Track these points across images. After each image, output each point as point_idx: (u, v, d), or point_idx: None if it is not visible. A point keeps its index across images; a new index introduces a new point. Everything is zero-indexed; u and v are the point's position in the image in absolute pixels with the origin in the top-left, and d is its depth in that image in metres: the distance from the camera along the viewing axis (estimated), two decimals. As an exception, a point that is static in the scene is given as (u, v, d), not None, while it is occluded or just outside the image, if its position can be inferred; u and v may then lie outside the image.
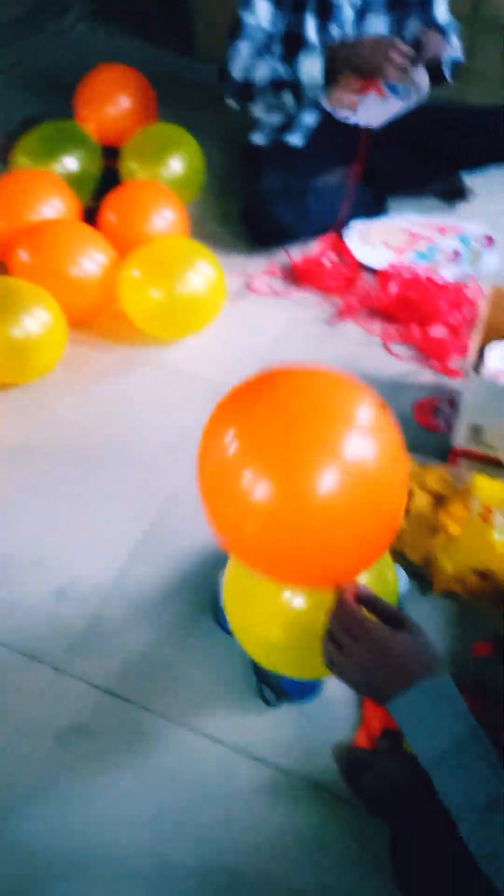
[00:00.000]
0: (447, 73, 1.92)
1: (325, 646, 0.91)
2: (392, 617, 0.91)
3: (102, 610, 1.35)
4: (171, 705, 1.23)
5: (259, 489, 0.81)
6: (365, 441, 0.82)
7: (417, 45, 1.81)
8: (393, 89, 1.84)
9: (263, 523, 0.82)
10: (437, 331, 1.84)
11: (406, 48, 1.77)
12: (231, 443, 0.83)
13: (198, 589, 1.37)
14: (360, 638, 0.88)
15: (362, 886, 1.05)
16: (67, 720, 1.21)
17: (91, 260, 1.76)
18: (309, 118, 2.06)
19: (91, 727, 1.21)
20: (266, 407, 0.84)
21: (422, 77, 1.80)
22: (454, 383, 1.73)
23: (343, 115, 1.88)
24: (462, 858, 0.79)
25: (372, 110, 1.87)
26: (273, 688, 1.23)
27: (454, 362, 1.77)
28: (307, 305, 1.95)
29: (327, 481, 0.80)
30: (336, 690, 1.24)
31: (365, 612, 0.91)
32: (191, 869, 1.08)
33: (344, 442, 0.81)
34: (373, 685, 0.86)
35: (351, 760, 1.11)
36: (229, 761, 1.17)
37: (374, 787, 1.07)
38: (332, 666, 0.91)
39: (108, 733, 1.20)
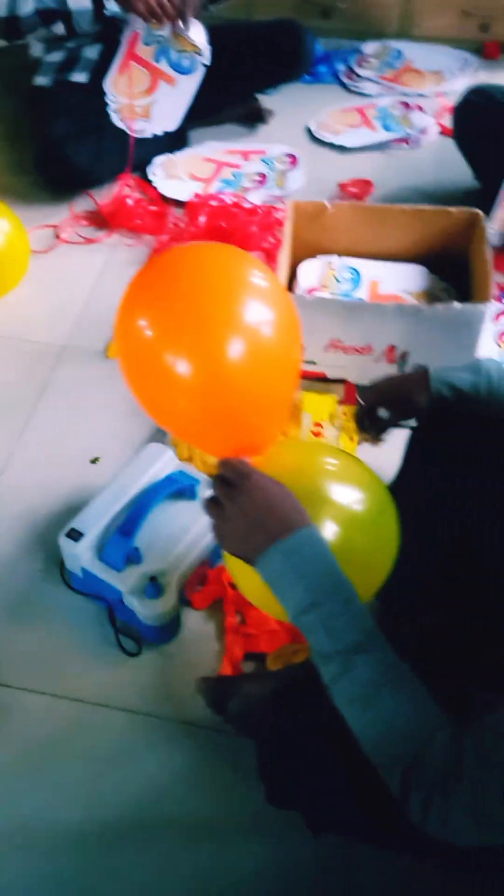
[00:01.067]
0: None
1: (209, 508, 0.86)
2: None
3: None
4: (28, 675, 1.20)
5: (179, 367, 0.85)
6: (264, 305, 0.89)
7: None
8: (177, 67, 1.81)
9: (190, 397, 0.88)
10: (253, 256, 1.82)
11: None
12: (145, 331, 0.87)
13: (40, 553, 1.33)
14: (242, 485, 0.83)
15: (242, 810, 1.07)
16: None
17: None
18: (91, 52, 1.97)
19: None
20: (169, 290, 0.87)
21: (198, 33, 1.77)
22: (276, 306, 1.73)
23: (140, 128, 1.88)
24: (324, 763, 0.82)
25: (166, 107, 1.87)
26: (131, 636, 1.22)
27: (273, 286, 1.77)
28: (120, 249, 1.89)
29: (237, 348, 0.86)
30: (194, 629, 1.24)
31: None
32: (71, 830, 1.07)
33: (246, 310, 0.87)
34: (250, 536, 0.81)
35: (216, 690, 1.14)
36: (97, 717, 1.16)
37: (240, 710, 1.10)
38: (216, 526, 0.85)
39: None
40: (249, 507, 0.81)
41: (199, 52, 1.83)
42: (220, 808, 1.08)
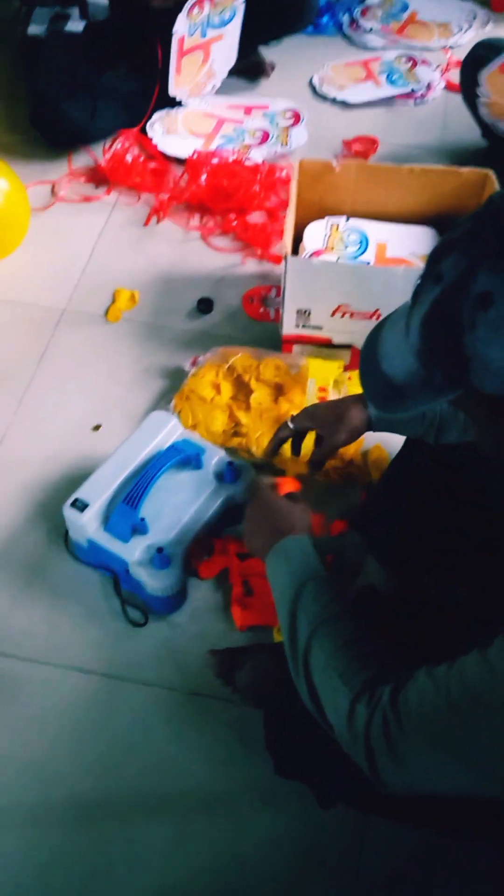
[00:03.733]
0: None
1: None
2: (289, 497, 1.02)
3: None
4: (34, 646, 1.19)
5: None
6: None
7: None
8: (222, 23, 1.86)
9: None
10: (256, 217, 1.79)
11: None
12: None
13: (43, 523, 1.31)
14: (254, 498, 1.01)
15: (252, 780, 1.07)
16: None
17: None
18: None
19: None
20: None
21: None
22: (280, 268, 1.69)
23: (209, 88, 1.98)
24: (328, 734, 0.82)
25: (223, 54, 1.93)
26: (137, 606, 1.21)
27: (277, 248, 1.73)
28: (119, 207, 1.84)
29: None
30: (201, 599, 1.23)
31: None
32: (81, 802, 1.07)
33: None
34: (258, 544, 0.95)
35: (224, 661, 1.14)
36: (105, 689, 1.15)
37: (248, 681, 1.10)
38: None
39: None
40: (256, 516, 0.98)
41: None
42: (230, 779, 1.08)
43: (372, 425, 1.11)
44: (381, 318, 0.79)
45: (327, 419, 1.13)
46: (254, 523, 0.99)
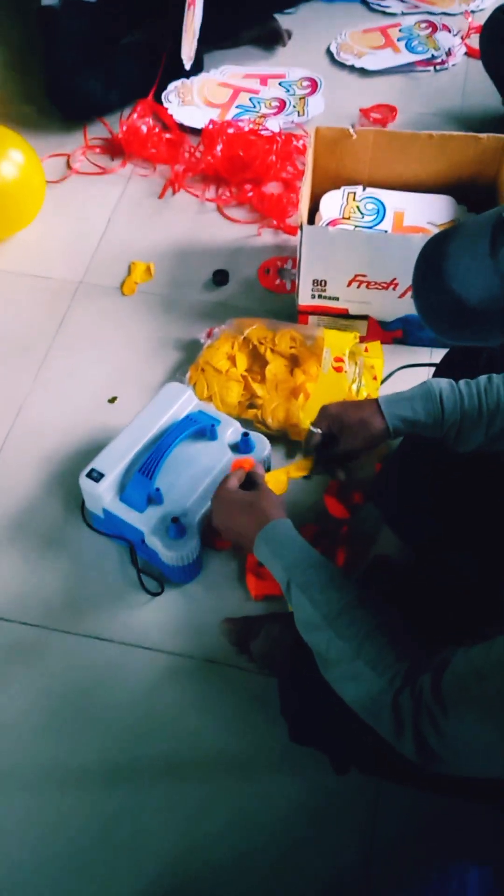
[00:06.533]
0: None
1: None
2: (255, 486, 1.04)
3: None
4: (52, 615, 1.20)
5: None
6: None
7: None
8: None
9: None
10: (272, 187, 1.77)
11: None
12: None
13: (60, 494, 1.32)
14: (218, 499, 1.03)
15: (269, 746, 1.08)
16: None
17: None
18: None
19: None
20: None
21: None
22: (296, 240, 1.68)
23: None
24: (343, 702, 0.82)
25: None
26: (153, 576, 1.22)
27: (293, 218, 1.72)
28: (135, 179, 1.83)
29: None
30: (216, 569, 1.24)
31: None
32: (101, 769, 1.08)
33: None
34: (239, 538, 0.98)
35: (240, 630, 1.15)
36: (122, 656, 1.17)
37: (263, 650, 1.10)
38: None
39: (-7, 655, 1.17)
40: (222, 513, 1.01)
41: None
42: (247, 745, 1.09)
43: (390, 434, 1.04)
44: (438, 233, 0.72)
45: (351, 422, 1.06)
46: (224, 519, 1.01)
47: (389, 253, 1.35)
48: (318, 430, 1.12)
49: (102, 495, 1.19)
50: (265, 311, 1.55)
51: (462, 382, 1.00)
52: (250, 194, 1.75)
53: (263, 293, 1.60)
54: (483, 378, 0.99)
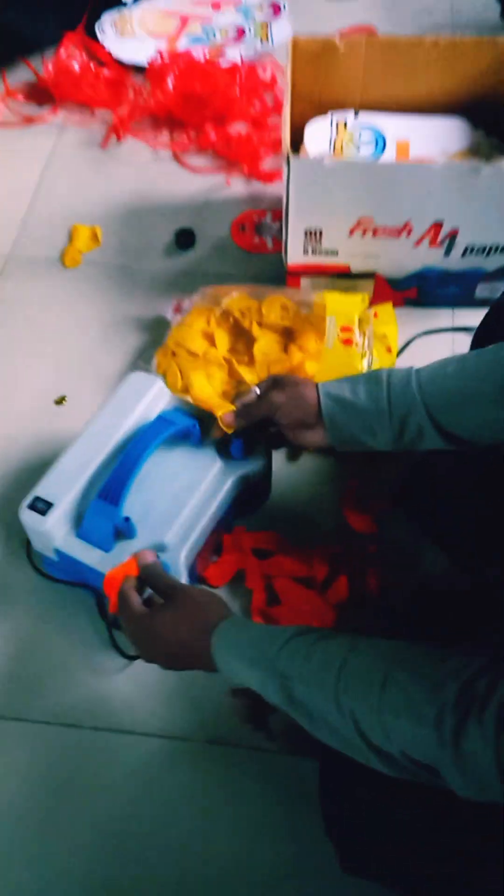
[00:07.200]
0: None
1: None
2: (164, 591, 0.79)
3: None
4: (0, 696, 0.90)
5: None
6: None
7: None
8: None
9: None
10: (238, 127, 1.47)
11: None
12: None
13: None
14: (130, 631, 0.79)
15: (303, 853, 0.80)
16: None
17: None
18: None
19: None
20: None
21: None
22: (273, 188, 1.39)
23: None
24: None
25: None
26: (130, 634, 0.92)
27: (267, 163, 1.42)
28: (69, 128, 1.52)
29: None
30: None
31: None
32: (72, 880, 0.79)
33: None
34: (185, 663, 0.76)
35: (254, 702, 0.86)
36: (97, 744, 0.88)
37: (285, 721, 0.82)
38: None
39: None
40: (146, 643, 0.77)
41: None
42: (274, 857, 0.81)
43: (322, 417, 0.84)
44: None
45: (291, 393, 0.86)
46: (152, 652, 0.77)
47: (401, 188, 1.07)
48: (257, 390, 0.91)
49: (52, 532, 0.88)
50: (245, 275, 1.28)
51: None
52: (213, 137, 1.45)
53: (240, 254, 1.32)
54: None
